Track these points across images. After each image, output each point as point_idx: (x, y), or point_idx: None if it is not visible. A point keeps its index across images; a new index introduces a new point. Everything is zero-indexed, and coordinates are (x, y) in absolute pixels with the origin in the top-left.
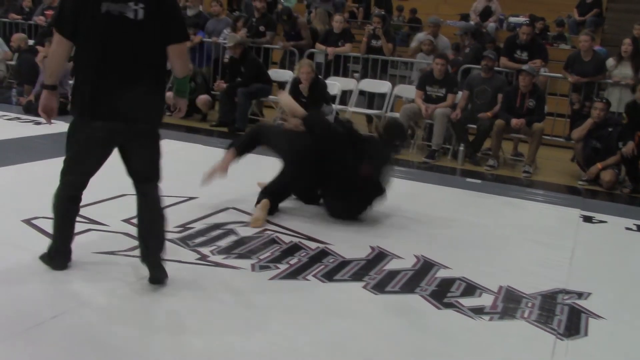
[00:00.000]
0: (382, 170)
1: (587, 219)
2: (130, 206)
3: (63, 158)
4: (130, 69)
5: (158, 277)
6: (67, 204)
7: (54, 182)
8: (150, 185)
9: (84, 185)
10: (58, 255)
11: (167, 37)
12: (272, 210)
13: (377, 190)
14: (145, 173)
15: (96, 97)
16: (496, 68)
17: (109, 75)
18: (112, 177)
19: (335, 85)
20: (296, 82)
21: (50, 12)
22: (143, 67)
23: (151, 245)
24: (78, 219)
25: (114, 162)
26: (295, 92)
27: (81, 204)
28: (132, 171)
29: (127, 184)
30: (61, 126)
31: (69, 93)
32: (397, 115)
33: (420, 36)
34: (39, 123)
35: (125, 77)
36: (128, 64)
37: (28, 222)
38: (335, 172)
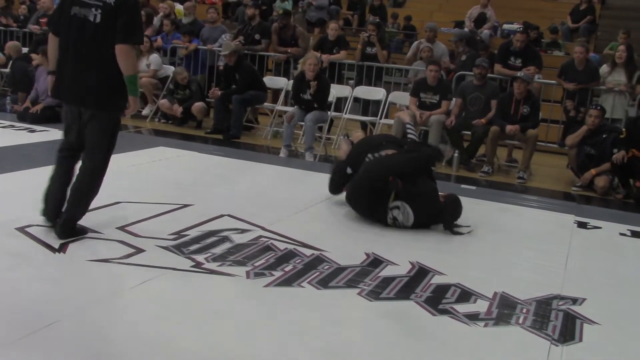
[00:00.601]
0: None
1: (582, 225)
2: (124, 214)
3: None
4: (84, 62)
5: (58, 232)
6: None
7: None
8: (88, 157)
9: (71, 147)
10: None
11: (114, 38)
12: None
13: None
14: (89, 145)
15: (59, 83)
16: (490, 75)
17: (68, 65)
18: (106, 185)
19: (330, 92)
20: (300, 77)
21: (45, 20)
22: (93, 62)
23: (68, 203)
24: None
25: (108, 171)
26: (299, 87)
27: None
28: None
29: (121, 192)
30: (54, 134)
31: None
32: (391, 122)
33: (417, 44)
34: (33, 131)
35: (79, 68)
36: (82, 58)
37: (22, 230)
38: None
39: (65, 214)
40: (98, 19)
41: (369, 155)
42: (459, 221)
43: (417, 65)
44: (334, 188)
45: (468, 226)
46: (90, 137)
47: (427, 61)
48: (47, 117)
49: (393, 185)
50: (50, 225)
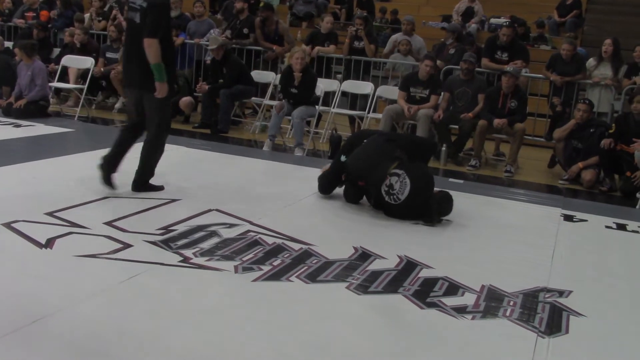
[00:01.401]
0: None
1: (568, 218)
2: (111, 209)
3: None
4: (132, 54)
5: (132, 187)
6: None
7: (34, 185)
8: (148, 130)
9: (131, 125)
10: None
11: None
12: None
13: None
14: (147, 121)
15: (123, 71)
16: (477, 69)
17: (126, 57)
18: (94, 180)
19: (318, 86)
20: (288, 70)
21: (30, 14)
22: (137, 54)
23: (138, 166)
24: (59, 222)
25: (95, 166)
26: (286, 81)
27: (63, 206)
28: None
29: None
30: (41, 129)
31: (49, 96)
32: (379, 116)
33: (394, 37)
34: (18, 125)
35: (130, 59)
36: (131, 51)
37: (8, 225)
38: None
39: (137, 175)
40: (138, 20)
41: (365, 140)
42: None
43: (395, 58)
44: (327, 188)
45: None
46: (146, 115)
47: (404, 54)
48: (31, 112)
49: (400, 154)
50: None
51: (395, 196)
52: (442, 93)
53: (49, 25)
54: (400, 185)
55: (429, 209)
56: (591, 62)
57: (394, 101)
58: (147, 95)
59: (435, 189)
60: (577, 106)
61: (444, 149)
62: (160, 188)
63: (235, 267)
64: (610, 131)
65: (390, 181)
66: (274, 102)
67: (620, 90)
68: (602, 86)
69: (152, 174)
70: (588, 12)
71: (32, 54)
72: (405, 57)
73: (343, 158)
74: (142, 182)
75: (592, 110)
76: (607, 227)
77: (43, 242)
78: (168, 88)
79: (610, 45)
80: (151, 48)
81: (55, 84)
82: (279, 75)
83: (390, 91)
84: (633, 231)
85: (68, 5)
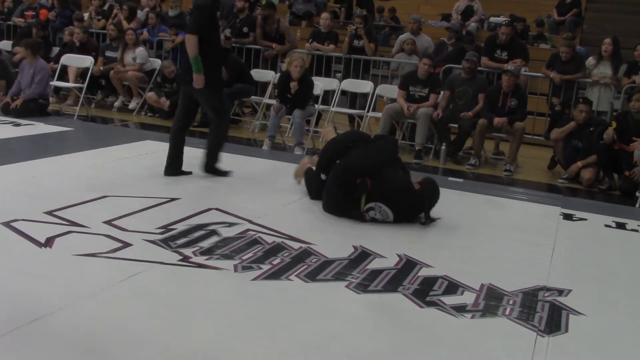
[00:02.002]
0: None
1: (568, 217)
2: (111, 208)
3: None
4: (184, 56)
5: (204, 170)
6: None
7: (33, 184)
8: (211, 120)
9: (183, 120)
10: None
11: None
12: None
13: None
14: (209, 113)
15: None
16: (478, 68)
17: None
18: (93, 179)
19: (317, 85)
20: (285, 76)
21: (30, 13)
22: (186, 54)
23: (207, 154)
24: (58, 221)
25: (95, 165)
26: (284, 86)
27: (62, 205)
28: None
29: (108, 186)
30: (40, 128)
31: (49, 95)
32: (379, 115)
33: (402, 37)
34: (17, 124)
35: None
36: (184, 52)
37: (7, 224)
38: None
39: (206, 159)
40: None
41: (338, 161)
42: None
43: (400, 57)
44: (314, 195)
45: (438, 218)
46: (205, 107)
47: (409, 53)
48: (31, 110)
49: (361, 187)
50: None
51: (384, 220)
52: (442, 92)
53: (48, 25)
54: (381, 214)
55: (423, 208)
56: (591, 60)
57: (393, 100)
58: (197, 91)
59: (415, 180)
60: (578, 107)
61: (443, 147)
62: (226, 173)
63: (235, 266)
64: (612, 127)
65: (370, 216)
66: (274, 102)
67: (619, 89)
68: (601, 85)
69: (218, 159)
70: (587, 10)
71: (38, 52)
72: (409, 56)
73: (323, 176)
74: (211, 167)
75: (592, 109)
76: (606, 225)
77: (42, 241)
78: (210, 78)
79: (610, 44)
80: (189, 42)
81: (55, 82)
82: (278, 74)
83: (390, 90)
84: (632, 230)
85: (65, 5)
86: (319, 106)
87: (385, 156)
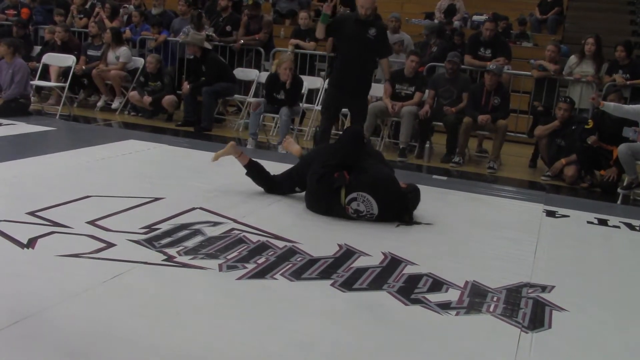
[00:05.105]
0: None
1: (550, 214)
2: (94, 208)
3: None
4: None
5: None
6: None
7: (15, 184)
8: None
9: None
10: None
11: None
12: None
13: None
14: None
15: None
16: (462, 67)
17: None
18: (76, 179)
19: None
20: (273, 77)
21: (11, 12)
22: None
23: None
24: (41, 221)
25: (77, 165)
26: (272, 87)
27: (45, 205)
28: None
29: (91, 186)
30: (22, 127)
31: (30, 95)
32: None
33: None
34: None
35: None
36: None
37: None
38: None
39: None
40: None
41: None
42: (419, 215)
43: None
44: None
45: (429, 224)
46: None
47: (397, 52)
48: (12, 110)
49: (339, 180)
50: None
51: (367, 215)
52: (427, 91)
53: (29, 24)
54: (364, 205)
55: (406, 207)
56: (572, 59)
57: (379, 98)
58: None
59: (402, 183)
60: (558, 105)
61: (427, 146)
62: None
63: (220, 266)
64: (587, 127)
65: (352, 207)
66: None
67: (601, 87)
68: (583, 83)
69: None
70: (569, 9)
71: (19, 52)
72: (397, 55)
73: (297, 190)
74: None
75: (574, 107)
76: (588, 222)
77: (25, 242)
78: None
79: (592, 44)
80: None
81: (37, 82)
82: (262, 73)
83: (375, 88)
84: (614, 226)
85: (45, 1)
86: (303, 105)
87: (353, 143)
